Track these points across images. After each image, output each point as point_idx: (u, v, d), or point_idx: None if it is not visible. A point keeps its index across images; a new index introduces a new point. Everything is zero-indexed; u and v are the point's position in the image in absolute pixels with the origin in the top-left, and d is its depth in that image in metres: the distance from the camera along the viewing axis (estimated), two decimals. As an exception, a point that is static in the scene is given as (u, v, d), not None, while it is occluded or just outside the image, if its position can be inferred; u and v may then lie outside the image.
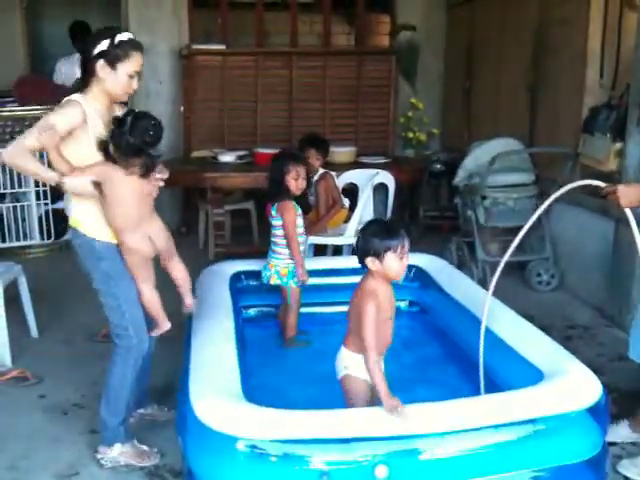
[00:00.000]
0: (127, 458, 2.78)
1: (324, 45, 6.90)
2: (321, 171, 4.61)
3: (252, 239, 5.80)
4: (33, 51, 7.97)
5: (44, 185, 5.38)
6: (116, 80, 2.61)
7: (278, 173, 3.51)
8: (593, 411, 2.36)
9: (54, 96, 5.87)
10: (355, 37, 7.41)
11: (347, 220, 4.63)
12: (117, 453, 2.78)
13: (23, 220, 5.44)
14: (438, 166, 6.04)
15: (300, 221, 3.56)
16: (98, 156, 2.60)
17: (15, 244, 5.43)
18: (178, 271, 2.85)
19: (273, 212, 3.56)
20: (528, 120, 5.34)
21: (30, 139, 2.49)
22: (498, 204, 4.73)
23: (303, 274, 3.50)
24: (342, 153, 5.33)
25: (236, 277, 3.76)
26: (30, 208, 5.37)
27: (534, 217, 2.71)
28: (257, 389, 2.61)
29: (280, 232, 3.54)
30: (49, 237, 5.51)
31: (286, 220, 3.48)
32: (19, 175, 5.31)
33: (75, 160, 2.57)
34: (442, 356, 3.39)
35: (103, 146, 2.60)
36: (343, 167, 4.87)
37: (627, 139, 4.07)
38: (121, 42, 2.59)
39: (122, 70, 2.60)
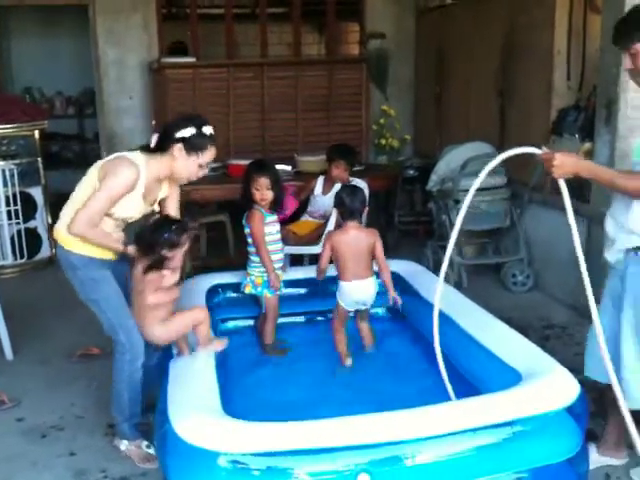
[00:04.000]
0: (131, 456, 2.89)
1: (295, 55, 6.93)
2: None
3: (228, 251, 5.78)
4: (2, 68, 7.90)
5: (15, 204, 5.32)
6: (186, 166, 2.77)
7: (245, 182, 3.53)
8: (572, 410, 2.38)
9: (23, 115, 5.85)
10: (325, 46, 7.45)
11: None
12: (123, 448, 2.92)
13: (-5, 240, 5.36)
14: (411, 172, 6.08)
15: (273, 229, 3.55)
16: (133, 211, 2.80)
17: (-13, 264, 5.35)
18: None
19: (243, 221, 3.56)
20: (499, 123, 5.40)
21: (95, 215, 2.68)
22: (471, 207, 4.75)
23: (274, 281, 3.49)
24: (314, 162, 5.33)
25: (213, 290, 3.74)
26: (2, 228, 5.29)
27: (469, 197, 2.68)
28: (238, 401, 2.60)
29: (251, 241, 3.54)
30: (22, 257, 5.43)
31: (252, 228, 3.49)
32: (-11, 194, 5.25)
33: (118, 212, 2.75)
34: (421, 361, 3.39)
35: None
36: (315, 176, 4.87)
37: (596, 139, 4.13)
38: (204, 135, 2.75)
39: (196, 159, 2.76)
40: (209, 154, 2.79)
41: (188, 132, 2.72)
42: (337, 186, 4.62)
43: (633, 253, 2.52)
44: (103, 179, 2.68)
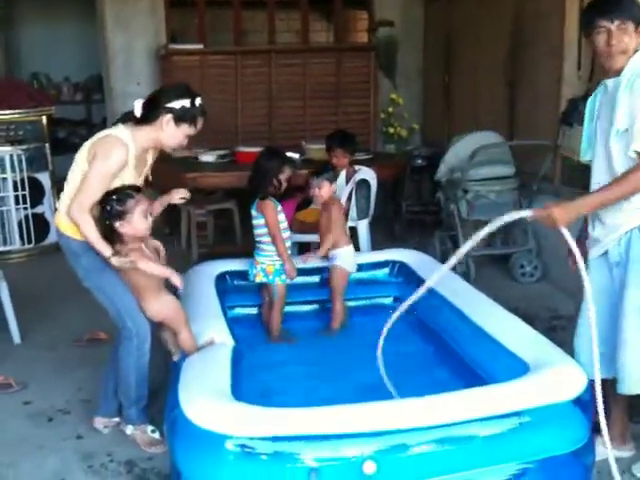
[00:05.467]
0: (137, 440, 2.89)
1: (303, 42, 6.88)
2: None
3: (235, 239, 5.78)
4: (8, 55, 7.89)
5: (23, 189, 5.32)
6: (174, 136, 2.75)
7: (270, 172, 3.50)
8: (578, 402, 2.38)
9: (30, 100, 5.85)
10: (334, 34, 7.40)
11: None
12: (129, 432, 2.92)
13: (2, 225, 5.37)
14: (419, 161, 6.05)
15: (281, 217, 3.55)
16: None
17: (-5, 249, 5.37)
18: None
19: (253, 211, 3.55)
20: (507, 113, 5.37)
21: (90, 198, 2.64)
22: (480, 197, 4.75)
23: (291, 270, 3.50)
24: (321, 150, 5.30)
25: (221, 277, 3.74)
26: (9, 213, 5.30)
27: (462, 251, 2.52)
28: (247, 387, 2.60)
29: (262, 231, 3.53)
30: (29, 242, 5.45)
31: (267, 219, 3.48)
32: (-4, 179, 5.26)
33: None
34: (427, 351, 3.40)
35: None
36: (324, 164, 4.84)
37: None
38: (195, 106, 2.72)
39: (184, 130, 2.74)
40: (198, 125, 2.77)
41: (179, 103, 2.69)
42: (342, 174, 4.61)
43: (637, 230, 2.49)
44: (93, 161, 2.64)
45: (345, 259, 3.66)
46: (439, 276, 2.64)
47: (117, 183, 2.71)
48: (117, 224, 2.68)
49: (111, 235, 2.69)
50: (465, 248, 2.50)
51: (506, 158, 4.90)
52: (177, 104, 2.69)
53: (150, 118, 2.72)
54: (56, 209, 2.88)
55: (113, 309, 2.80)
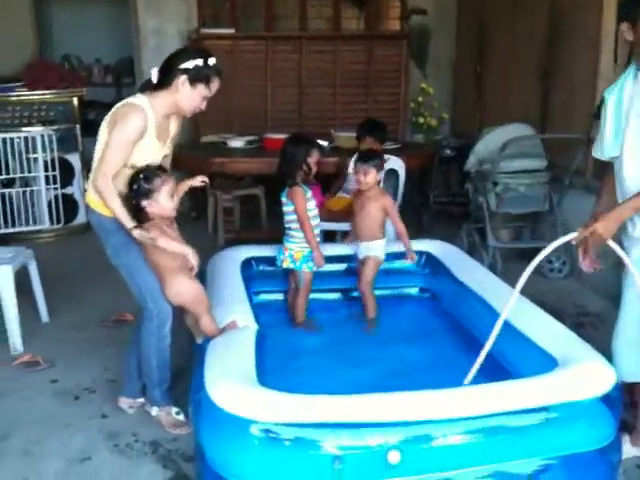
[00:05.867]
0: (161, 422, 2.92)
1: (334, 29, 6.84)
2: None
3: (261, 225, 5.79)
4: (41, 36, 7.93)
5: (53, 169, 5.38)
6: (190, 98, 2.73)
7: (298, 157, 3.49)
8: (606, 400, 2.35)
9: (62, 81, 5.89)
10: (365, 21, 7.35)
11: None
12: (154, 414, 2.96)
13: (32, 205, 5.43)
14: (448, 151, 6.00)
15: (311, 205, 3.54)
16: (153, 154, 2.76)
17: (25, 229, 5.43)
18: None
19: (283, 198, 3.55)
20: (540, 105, 5.30)
21: (112, 165, 2.64)
22: (510, 190, 4.70)
23: (319, 258, 3.50)
24: (350, 138, 5.27)
25: (247, 263, 3.75)
26: (40, 193, 5.36)
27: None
28: (272, 373, 2.61)
29: (291, 217, 3.53)
30: (58, 222, 5.50)
31: (297, 205, 3.47)
32: (28, 159, 5.31)
33: (136, 160, 2.70)
34: (453, 342, 3.37)
35: None
36: (352, 152, 4.82)
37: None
38: (209, 65, 2.70)
39: (200, 91, 2.72)
40: (214, 85, 2.74)
41: (192, 63, 2.68)
42: None
43: None
44: (112, 130, 2.65)
45: (381, 250, 3.64)
46: (512, 302, 2.59)
47: (140, 153, 2.70)
48: (144, 203, 2.71)
49: (139, 214, 2.72)
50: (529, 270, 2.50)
51: (537, 151, 4.83)
52: (190, 64, 2.68)
53: (166, 82, 2.71)
54: (85, 190, 2.90)
55: (135, 288, 2.82)
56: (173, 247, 2.74)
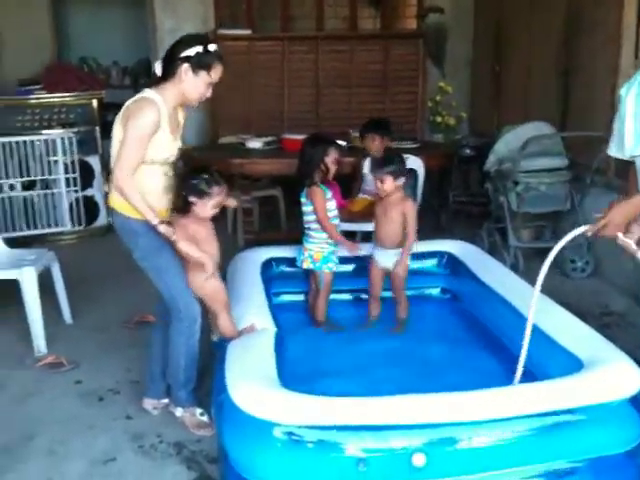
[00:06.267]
0: (185, 423, 2.93)
1: (350, 29, 6.83)
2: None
3: (280, 225, 5.80)
4: (59, 38, 8.00)
5: (73, 172, 5.42)
6: (195, 86, 2.72)
7: (316, 156, 3.49)
8: (634, 401, 2.32)
9: (81, 84, 5.94)
10: (381, 20, 7.34)
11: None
12: (178, 415, 2.96)
13: (54, 207, 5.48)
14: (467, 151, 5.96)
15: (331, 205, 3.54)
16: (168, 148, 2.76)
17: (46, 231, 5.48)
18: None
19: (303, 199, 3.55)
20: (560, 103, 5.25)
21: (130, 161, 2.64)
22: (530, 189, 4.66)
23: (351, 246, 3.53)
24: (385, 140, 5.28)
25: (267, 264, 3.76)
26: (60, 195, 5.40)
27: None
28: (293, 375, 2.61)
29: (311, 217, 3.53)
30: (79, 224, 5.55)
31: (316, 205, 3.47)
32: (49, 162, 5.35)
33: (153, 154, 2.70)
34: (475, 343, 3.35)
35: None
36: (364, 153, 4.81)
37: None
38: (211, 52, 2.70)
39: (203, 78, 2.72)
40: (216, 71, 2.73)
41: (193, 51, 2.67)
42: None
43: None
44: (127, 125, 2.64)
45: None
46: (535, 299, 2.54)
47: (156, 148, 2.70)
48: (192, 199, 2.77)
49: (183, 206, 2.78)
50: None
51: (558, 149, 4.79)
52: (191, 52, 2.67)
53: (170, 73, 2.71)
54: (106, 192, 2.91)
55: (166, 290, 2.82)
56: (192, 253, 2.78)
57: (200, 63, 2.68)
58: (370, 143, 4.58)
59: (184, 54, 2.68)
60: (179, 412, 2.96)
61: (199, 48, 2.68)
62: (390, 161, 3.50)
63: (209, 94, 2.78)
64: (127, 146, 2.63)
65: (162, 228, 2.69)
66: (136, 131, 2.63)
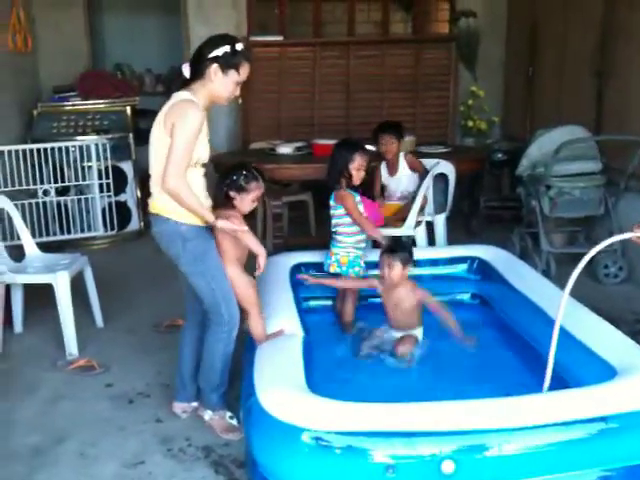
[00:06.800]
0: (213, 426, 2.93)
1: (382, 34, 6.82)
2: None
3: (309, 230, 5.80)
4: (94, 46, 8.12)
5: (107, 177, 5.50)
6: (223, 85, 2.74)
7: (340, 162, 3.48)
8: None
9: (115, 91, 6.02)
10: (412, 24, 7.31)
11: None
12: (207, 418, 2.96)
13: (87, 212, 5.56)
14: (499, 155, 5.90)
15: (361, 209, 3.53)
16: (207, 149, 2.82)
17: (79, 235, 5.56)
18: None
19: (332, 202, 3.55)
20: (594, 107, 5.16)
21: (182, 165, 2.66)
22: (564, 194, 4.59)
23: (379, 234, 3.55)
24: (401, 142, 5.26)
25: (296, 268, 3.76)
26: (94, 200, 5.48)
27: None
28: (319, 379, 2.61)
29: (340, 221, 3.53)
30: (112, 228, 5.62)
31: (348, 206, 3.47)
32: (83, 168, 5.44)
33: (197, 156, 2.74)
34: (506, 349, 3.31)
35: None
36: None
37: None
38: (238, 51, 2.72)
39: (232, 77, 2.74)
40: (244, 71, 2.74)
41: (221, 51, 2.68)
42: (401, 160, 4.58)
43: None
44: (174, 131, 2.63)
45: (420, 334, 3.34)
46: (564, 300, 2.52)
47: (198, 150, 2.73)
48: (233, 194, 2.87)
49: (223, 200, 2.87)
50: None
51: (592, 153, 4.71)
52: (219, 51, 2.68)
53: (199, 73, 2.72)
54: (140, 197, 2.93)
55: (210, 295, 2.80)
56: (252, 242, 2.88)
57: (228, 62, 2.70)
58: (389, 146, 4.53)
59: (213, 54, 2.69)
60: (208, 415, 2.96)
61: (227, 48, 2.69)
62: (402, 246, 3.32)
63: (237, 92, 2.80)
64: (177, 150, 2.64)
65: (221, 223, 2.75)
66: (185, 134, 2.64)
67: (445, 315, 3.24)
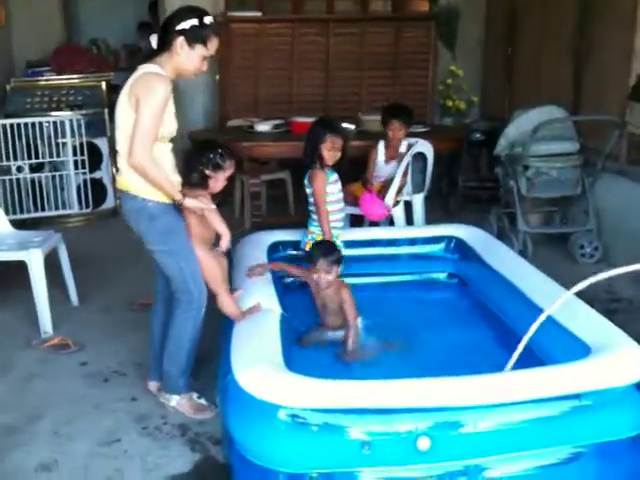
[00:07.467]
0: (182, 409, 2.88)
1: (361, 11, 6.76)
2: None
3: (287, 209, 5.78)
4: (68, 20, 7.96)
5: (82, 154, 5.41)
6: (190, 59, 2.67)
7: (313, 141, 3.46)
8: (641, 387, 2.30)
9: (90, 66, 5.91)
10: (392, 3, 7.25)
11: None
12: (174, 403, 2.90)
13: (62, 189, 5.48)
14: (478, 135, 5.90)
15: (335, 189, 3.51)
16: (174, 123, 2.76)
17: (54, 213, 5.49)
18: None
19: (305, 181, 3.53)
20: (572, 87, 5.18)
21: (148, 139, 2.59)
22: (541, 174, 4.61)
23: (330, 237, 3.45)
24: (378, 121, 5.23)
25: (274, 247, 3.74)
26: (69, 177, 5.40)
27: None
28: (296, 358, 2.60)
29: (313, 200, 3.51)
30: (87, 206, 5.55)
31: (315, 188, 3.45)
32: (57, 144, 5.35)
33: (163, 129, 2.67)
34: (482, 329, 3.33)
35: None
36: (379, 136, 4.77)
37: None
38: (206, 25, 2.65)
39: (199, 51, 2.67)
40: (212, 45, 2.68)
41: (189, 23, 2.62)
42: (404, 146, 4.54)
43: None
44: (139, 104, 2.57)
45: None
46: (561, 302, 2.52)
47: (166, 124, 2.67)
48: (208, 172, 2.83)
49: (200, 180, 2.82)
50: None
51: (569, 134, 4.74)
52: (186, 24, 2.62)
53: (165, 46, 2.66)
54: (114, 175, 2.88)
55: (179, 273, 2.76)
56: (218, 222, 2.87)
57: (196, 36, 2.63)
58: (396, 132, 4.47)
59: (180, 27, 2.62)
60: (175, 401, 2.90)
61: (195, 21, 2.62)
62: (334, 249, 3.14)
63: (204, 68, 2.73)
64: (144, 123, 2.56)
65: (188, 201, 2.71)
66: (152, 107, 2.57)
67: (350, 331, 3.05)
